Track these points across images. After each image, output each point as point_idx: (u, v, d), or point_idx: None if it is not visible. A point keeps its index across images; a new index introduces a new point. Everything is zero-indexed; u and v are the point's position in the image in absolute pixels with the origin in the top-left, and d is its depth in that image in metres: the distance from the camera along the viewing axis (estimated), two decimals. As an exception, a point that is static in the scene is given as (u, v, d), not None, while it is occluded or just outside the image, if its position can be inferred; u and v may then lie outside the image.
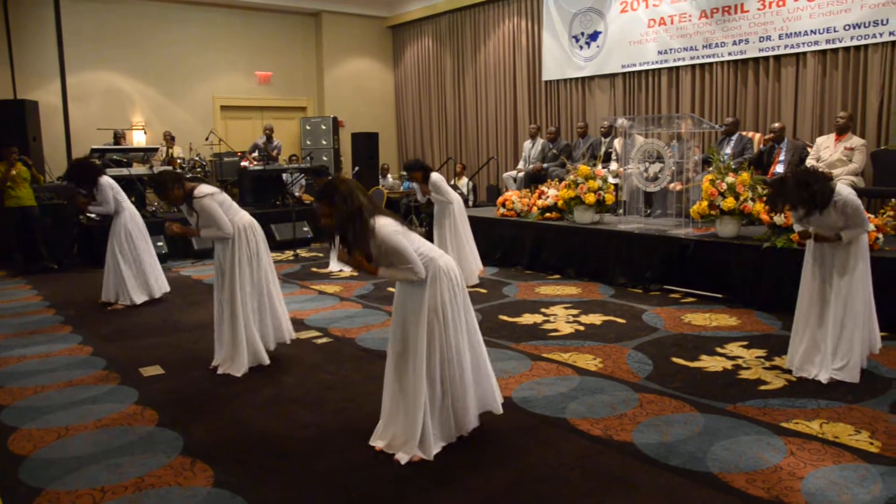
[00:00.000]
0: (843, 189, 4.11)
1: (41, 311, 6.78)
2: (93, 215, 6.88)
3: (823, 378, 4.22)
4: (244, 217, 4.86)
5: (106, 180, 6.80)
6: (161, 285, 7.07)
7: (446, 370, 3.34)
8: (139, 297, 6.84)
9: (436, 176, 7.05)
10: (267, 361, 4.84)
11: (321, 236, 9.82)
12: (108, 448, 3.60)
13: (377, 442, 3.49)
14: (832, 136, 7.63)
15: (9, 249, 9.33)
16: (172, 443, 3.65)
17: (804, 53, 8.78)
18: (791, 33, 8.82)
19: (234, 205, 4.86)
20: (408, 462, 3.28)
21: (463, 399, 3.39)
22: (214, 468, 3.33)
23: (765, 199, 4.46)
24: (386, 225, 3.20)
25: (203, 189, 4.74)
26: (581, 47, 11.50)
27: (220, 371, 4.74)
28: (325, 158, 13.77)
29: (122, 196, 6.92)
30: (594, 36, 11.27)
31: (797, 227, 4.43)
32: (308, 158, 12.57)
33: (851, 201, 4.06)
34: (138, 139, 12.42)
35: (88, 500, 3.07)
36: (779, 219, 5.94)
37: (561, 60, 11.87)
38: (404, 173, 12.37)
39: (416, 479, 3.18)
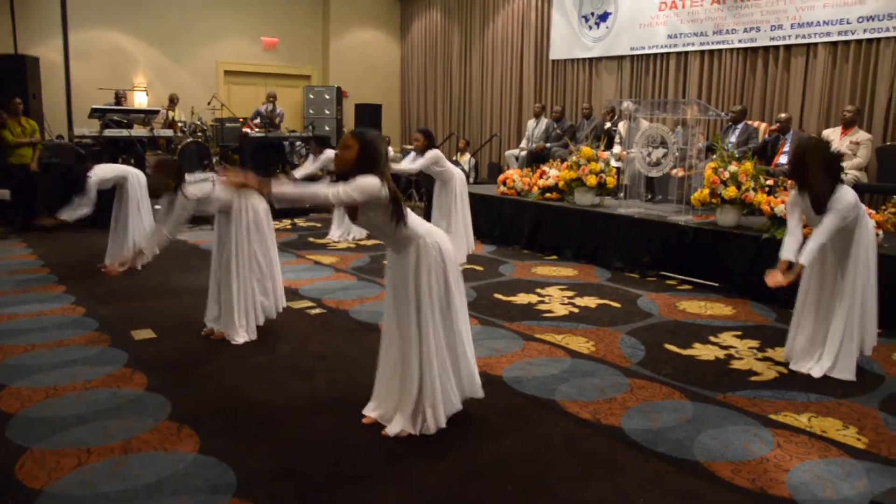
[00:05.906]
0: (846, 195, 3.98)
1: (35, 270, 6.76)
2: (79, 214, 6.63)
3: (817, 373, 4.19)
4: None
5: (93, 177, 6.45)
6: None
7: (441, 344, 3.31)
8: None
9: (434, 152, 6.97)
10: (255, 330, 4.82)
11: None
12: (96, 410, 3.59)
13: (369, 414, 3.49)
14: (838, 129, 7.58)
15: (7, 207, 9.28)
16: (161, 407, 3.64)
17: (815, 44, 8.69)
18: (803, 23, 8.72)
19: None
20: (396, 435, 3.28)
21: (446, 378, 3.36)
22: (201, 434, 3.33)
23: (789, 171, 4.25)
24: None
25: (195, 190, 4.55)
26: (590, 27, 11.39)
27: (214, 337, 4.72)
28: (327, 129, 13.65)
29: (120, 169, 6.78)
30: (604, 16, 11.16)
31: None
32: (310, 127, 12.46)
33: (846, 202, 3.95)
34: (140, 100, 12.32)
35: (73, 460, 3.07)
36: (779, 209, 5.90)
37: (569, 40, 11.76)
38: (408, 146, 12.30)
39: (404, 452, 3.18)
